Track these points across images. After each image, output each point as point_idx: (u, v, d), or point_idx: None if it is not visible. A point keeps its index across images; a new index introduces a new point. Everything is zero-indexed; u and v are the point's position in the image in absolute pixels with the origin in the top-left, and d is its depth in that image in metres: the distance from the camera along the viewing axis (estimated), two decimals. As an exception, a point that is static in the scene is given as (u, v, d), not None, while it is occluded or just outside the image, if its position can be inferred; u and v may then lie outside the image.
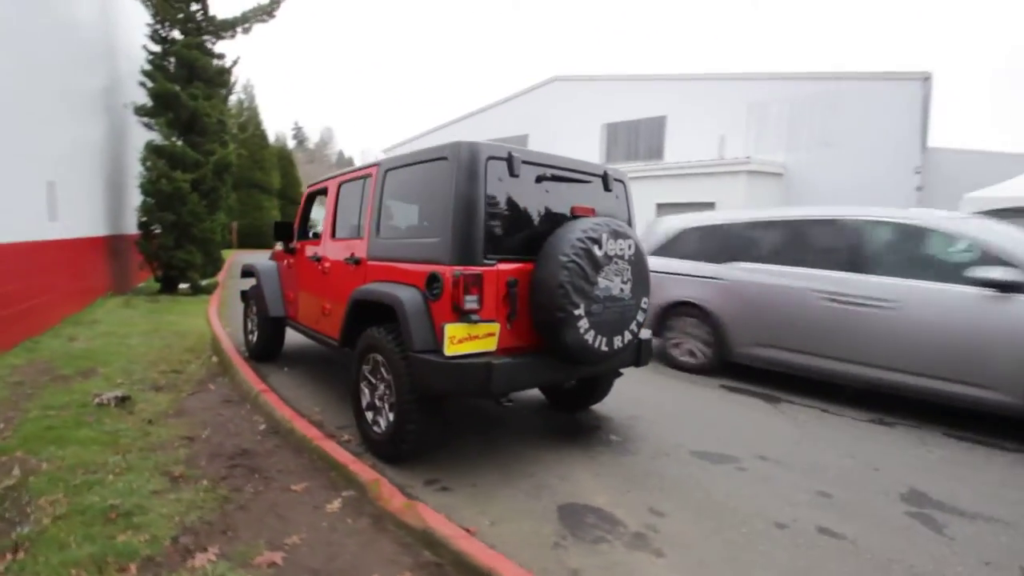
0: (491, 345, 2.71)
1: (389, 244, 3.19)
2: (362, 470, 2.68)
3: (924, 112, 15.02)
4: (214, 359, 5.27)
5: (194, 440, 3.18)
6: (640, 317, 3.11)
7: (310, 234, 4.84)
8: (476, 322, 2.64)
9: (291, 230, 4.66)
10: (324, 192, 4.43)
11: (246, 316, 5.57)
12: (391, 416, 2.95)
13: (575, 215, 3.02)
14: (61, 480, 2.52)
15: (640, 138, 19.68)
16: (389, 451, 2.97)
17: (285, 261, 4.95)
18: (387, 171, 3.31)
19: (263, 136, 28.44)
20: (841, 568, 2.18)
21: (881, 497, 2.82)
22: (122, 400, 3.73)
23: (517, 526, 2.40)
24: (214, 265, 9.62)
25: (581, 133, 20.71)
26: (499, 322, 2.73)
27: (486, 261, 2.70)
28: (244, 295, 5.68)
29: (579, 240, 2.71)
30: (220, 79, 8.99)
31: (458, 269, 2.62)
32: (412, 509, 2.31)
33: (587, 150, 20.52)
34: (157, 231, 8.45)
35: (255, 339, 5.27)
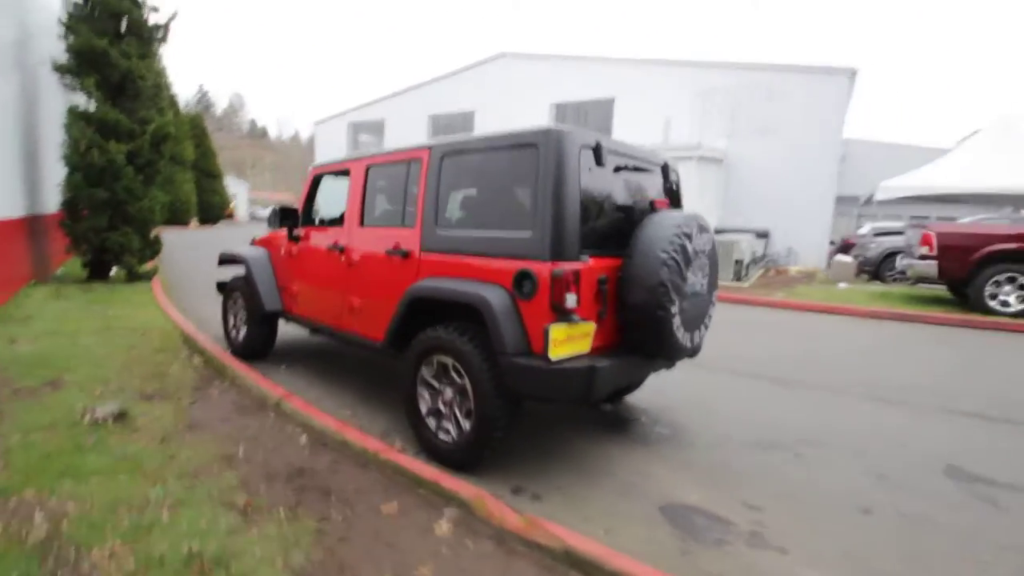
0: (586, 346, 2.58)
1: (452, 237, 2.93)
2: (458, 485, 2.48)
3: (847, 105, 16.31)
4: (195, 360, 4.70)
5: (232, 460, 2.80)
6: (711, 312, 3.11)
7: (315, 220, 4.40)
8: (577, 322, 2.49)
9: (296, 215, 4.18)
10: (338, 174, 4.00)
11: (226, 310, 5.01)
12: (467, 424, 2.75)
13: (655, 208, 2.94)
14: (104, 524, 2.11)
15: (589, 119, 19.82)
16: (464, 459, 2.77)
17: (282, 249, 4.47)
18: (444, 156, 3.02)
19: (173, 101, 25.72)
20: (944, 548, 2.31)
21: (928, 474, 3.03)
22: (119, 416, 3.21)
23: (633, 533, 2.33)
24: (152, 249, 8.56)
25: (530, 112, 20.49)
26: (593, 321, 2.60)
27: (580, 257, 2.55)
28: (223, 287, 5.10)
29: (676, 236, 2.63)
30: (155, 35, 7.82)
31: (559, 266, 2.45)
32: (535, 526, 2.16)
33: (535, 130, 20.32)
34: (86, 210, 7.32)
35: (242, 336, 4.75)
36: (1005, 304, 7.57)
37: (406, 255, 3.14)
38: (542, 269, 2.48)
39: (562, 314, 2.47)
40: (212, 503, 2.32)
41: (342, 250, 3.68)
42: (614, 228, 2.82)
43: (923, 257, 8.16)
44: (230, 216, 38.05)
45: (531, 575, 1.98)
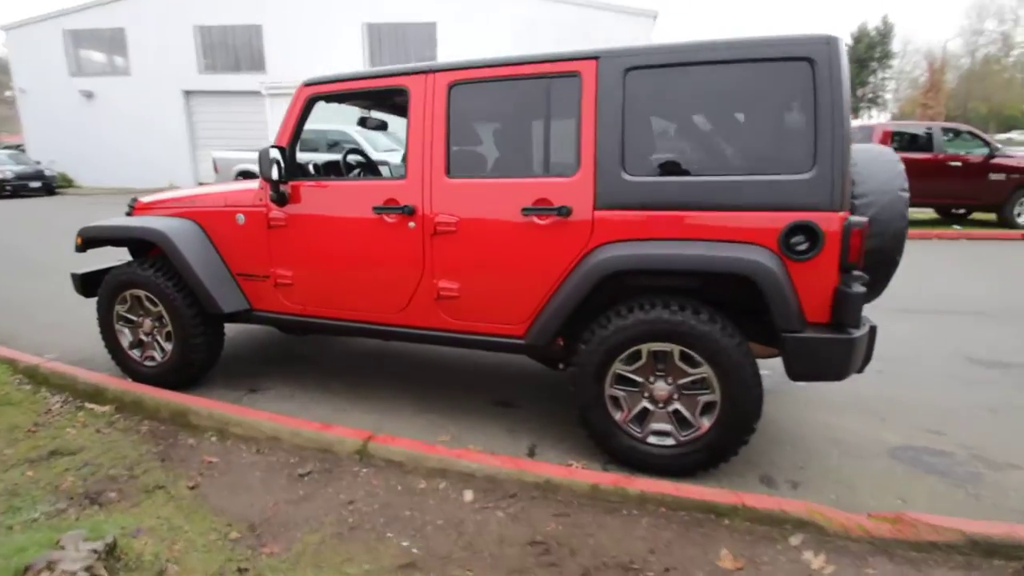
0: (839, 304, 2.23)
1: (657, 185, 2.16)
2: (762, 502, 1.97)
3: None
4: (88, 408, 2.88)
5: (425, 565, 1.74)
6: None
7: (309, 168, 2.95)
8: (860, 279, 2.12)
9: (278, 162, 2.66)
10: (363, 95, 2.65)
11: (111, 319, 3.16)
12: (705, 420, 2.20)
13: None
14: None
15: (409, 45, 17.94)
16: (699, 462, 2.25)
17: (240, 217, 2.90)
18: (628, 71, 2.16)
19: None
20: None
21: (969, 367, 3.59)
22: (107, 552, 1.71)
23: (920, 494, 2.20)
24: None
25: (336, 34, 17.60)
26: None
27: None
28: (93, 283, 3.20)
29: (903, 171, 2.38)
30: None
31: (851, 216, 2.01)
32: (905, 522, 1.84)
33: (347, 55, 17.73)
34: None
35: (164, 355, 3.08)
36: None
37: (566, 214, 2.25)
38: (830, 220, 1.99)
39: (849, 273, 2.06)
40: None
41: (410, 212, 2.49)
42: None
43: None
44: None
45: (966, 584, 1.68)
